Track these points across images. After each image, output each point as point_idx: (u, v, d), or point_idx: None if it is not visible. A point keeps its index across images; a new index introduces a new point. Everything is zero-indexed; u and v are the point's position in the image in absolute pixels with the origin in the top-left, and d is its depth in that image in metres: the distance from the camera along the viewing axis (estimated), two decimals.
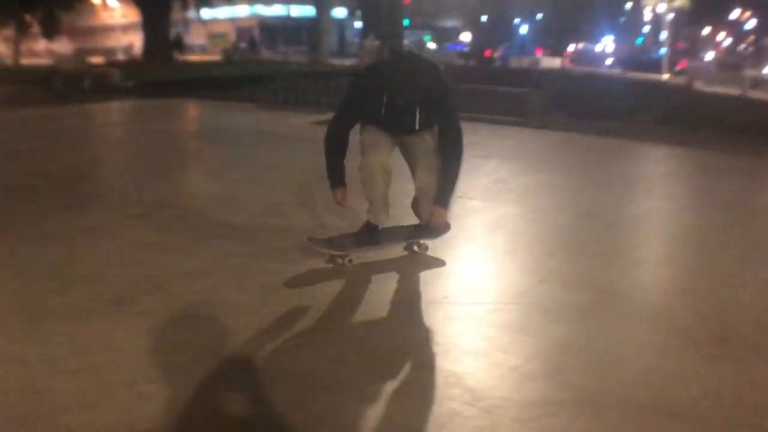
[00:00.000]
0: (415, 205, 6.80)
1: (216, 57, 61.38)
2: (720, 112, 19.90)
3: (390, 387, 4.31)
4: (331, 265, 6.42)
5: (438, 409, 4.02)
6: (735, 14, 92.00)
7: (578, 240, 7.53)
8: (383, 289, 5.99)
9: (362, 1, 54.10)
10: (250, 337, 5.03)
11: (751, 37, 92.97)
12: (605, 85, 31.65)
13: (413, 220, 6.94)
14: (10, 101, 24.01)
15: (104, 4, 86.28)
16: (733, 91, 32.79)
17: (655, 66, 54.48)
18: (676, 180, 11.47)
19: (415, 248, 6.88)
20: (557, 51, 68.20)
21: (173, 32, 58.67)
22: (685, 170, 12.32)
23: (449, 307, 5.58)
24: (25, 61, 61.73)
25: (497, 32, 74.34)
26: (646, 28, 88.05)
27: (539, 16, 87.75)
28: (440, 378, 4.40)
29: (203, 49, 76.40)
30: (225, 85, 25.23)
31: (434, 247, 6.97)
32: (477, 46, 68.77)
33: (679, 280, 6.52)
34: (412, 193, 6.73)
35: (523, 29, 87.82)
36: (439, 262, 6.64)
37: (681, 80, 40.50)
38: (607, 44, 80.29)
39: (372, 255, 6.64)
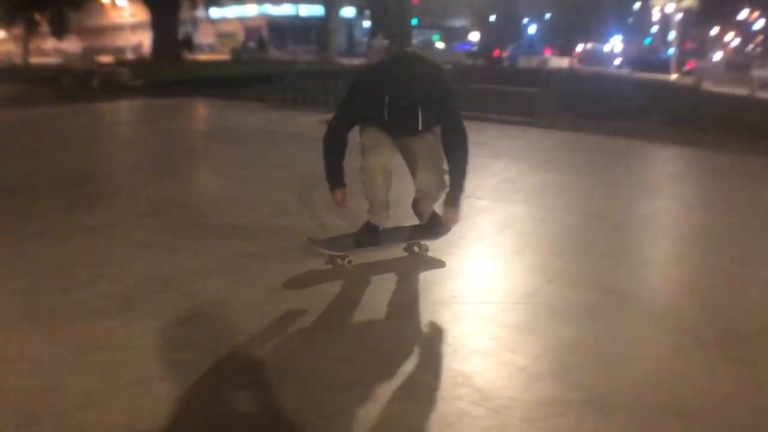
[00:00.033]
0: (416, 206, 6.80)
1: (225, 56, 61.47)
2: (728, 113, 19.87)
3: (398, 387, 4.31)
4: (330, 266, 6.40)
5: (446, 409, 4.02)
6: (743, 14, 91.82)
7: (587, 240, 7.52)
8: (390, 289, 6.00)
9: (371, 0, 54.10)
10: (258, 336, 5.05)
11: (760, 38, 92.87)
12: (613, 85, 31.61)
13: (413, 221, 6.95)
14: (19, 100, 24.09)
15: (113, 4, 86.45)
16: (742, 91, 32.76)
17: (664, 66, 54.41)
18: (684, 180, 11.46)
19: (416, 249, 6.85)
20: (566, 51, 68.14)
21: (182, 31, 58.77)
22: (693, 170, 12.31)
23: (457, 307, 5.57)
24: (34, 59, 61.95)
25: (506, 32, 74.29)
26: (655, 29, 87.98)
27: (548, 15, 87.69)
28: (448, 378, 4.39)
29: (212, 49, 76.48)
30: (234, 85, 25.25)
31: (441, 246, 6.97)
32: (485, 45, 68.67)
33: (687, 280, 6.52)
34: (412, 194, 6.72)
35: (532, 29, 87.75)
36: (439, 263, 6.61)
37: (689, 80, 40.44)
38: (615, 44, 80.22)
39: (372, 256, 6.62)
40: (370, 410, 4.03)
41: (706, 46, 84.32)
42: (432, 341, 5.00)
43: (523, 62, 55.29)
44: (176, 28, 53.72)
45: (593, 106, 19.41)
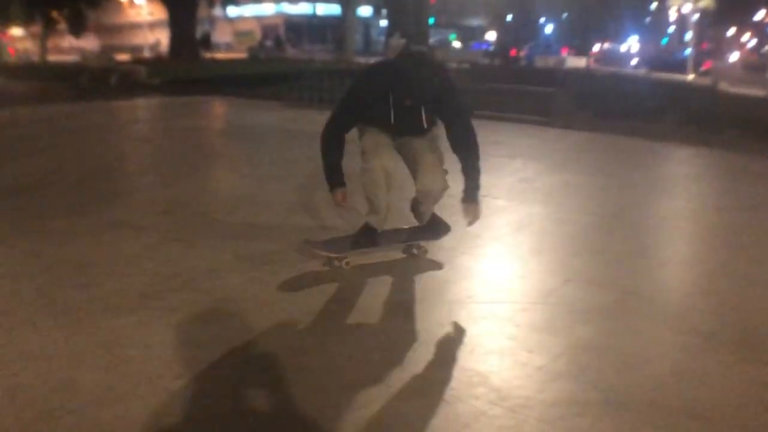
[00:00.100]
0: (415, 207, 6.77)
1: (242, 55, 61.60)
2: (745, 113, 19.80)
3: (414, 386, 4.32)
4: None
5: (463, 409, 4.02)
6: (760, 15, 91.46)
7: (603, 240, 7.51)
8: (405, 288, 6.03)
9: None
10: (273, 334, 5.07)
11: None
12: (630, 85, 31.52)
13: (413, 222, 6.93)
14: (37, 97, 24.22)
15: (131, 2, 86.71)
16: (758, 92, 32.66)
17: (680, 66, 54.28)
18: (700, 181, 11.42)
19: (414, 251, 6.80)
20: (582, 50, 68.06)
21: (201, 30, 58.92)
22: (709, 171, 12.26)
23: (473, 307, 5.58)
24: (52, 57, 62.18)
25: (522, 31, 74.10)
26: (671, 29, 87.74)
27: (564, 15, 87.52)
28: (465, 377, 4.40)
29: (229, 47, 76.66)
30: (251, 83, 25.29)
31: (457, 246, 6.98)
32: (502, 45, 68.59)
33: (703, 281, 6.49)
34: (411, 195, 6.70)
35: (549, 29, 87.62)
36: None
37: (706, 81, 40.33)
38: (632, 44, 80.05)
39: (377, 257, 6.60)
40: (386, 409, 4.04)
41: (722, 47, 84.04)
42: (448, 341, 4.99)
43: (539, 62, 55.16)
44: (194, 26, 53.89)
45: (610, 106, 19.35)
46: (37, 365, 4.46)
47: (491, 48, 70.85)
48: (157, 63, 42.92)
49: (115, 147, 13.87)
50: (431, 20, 43.49)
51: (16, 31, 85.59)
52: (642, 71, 55.31)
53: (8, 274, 6.17)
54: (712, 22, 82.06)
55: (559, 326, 5.20)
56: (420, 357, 4.69)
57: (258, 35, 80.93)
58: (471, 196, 6.29)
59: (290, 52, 64.46)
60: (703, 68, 53.85)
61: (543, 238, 7.54)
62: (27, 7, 62.11)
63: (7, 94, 25.89)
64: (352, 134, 6.39)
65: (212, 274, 6.16)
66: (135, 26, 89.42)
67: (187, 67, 37.71)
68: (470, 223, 6.42)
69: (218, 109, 21.70)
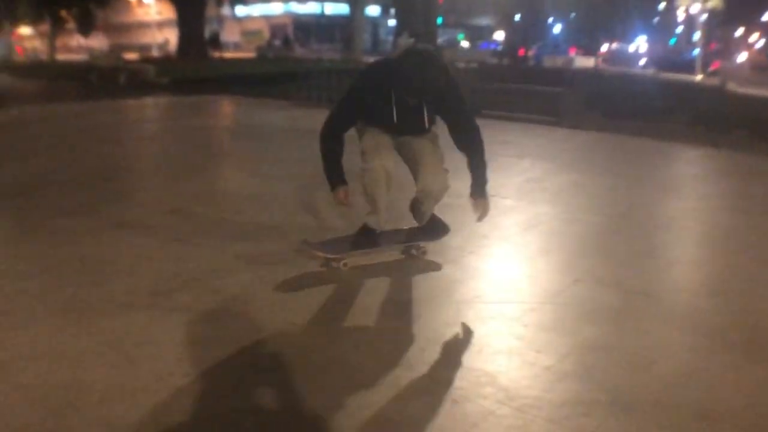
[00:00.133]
0: (415, 208, 6.70)
1: (250, 54, 61.64)
2: (753, 114, 19.76)
3: (422, 385, 4.33)
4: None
5: (471, 408, 4.02)
6: None
7: (612, 240, 7.50)
8: (414, 288, 6.01)
9: None
10: (282, 332, 5.08)
11: None
12: (638, 85, 31.48)
13: (412, 223, 6.89)
14: (46, 96, 24.28)
15: (139, 1, 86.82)
16: (766, 92, 32.59)
17: (689, 67, 54.22)
18: (708, 181, 11.40)
19: (414, 252, 6.75)
20: (591, 50, 68.00)
21: (210, 29, 58.96)
22: (717, 171, 12.23)
23: (481, 306, 5.58)
24: (61, 56, 62.24)
25: (531, 31, 74.03)
26: (680, 29, 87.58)
27: (573, 15, 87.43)
28: (473, 377, 4.39)
29: (237, 47, 76.74)
30: (259, 82, 25.32)
31: (465, 246, 6.99)
32: (510, 44, 68.55)
33: (711, 282, 6.48)
34: (409, 195, 6.67)
35: (557, 28, 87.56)
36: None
37: (714, 81, 40.25)
38: (640, 44, 79.96)
39: (371, 258, 6.55)
40: (394, 408, 4.05)
41: (731, 47, 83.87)
42: (456, 340, 4.99)
43: (548, 62, 55.18)
44: (202, 25, 53.95)
45: (618, 106, 19.35)
46: (44, 364, 4.47)
47: (499, 48, 70.82)
48: (165, 62, 43.01)
49: (123, 146, 13.88)
50: (439, 20, 43.45)
51: (25, 30, 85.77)
52: (650, 71, 55.24)
53: (16, 272, 6.19)
54: (721, 22, 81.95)
55: (567, 326, 5.20)
56: (428, 356, 4.70)
57: (266, 34, 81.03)
58: (479, 191, 6.25)
59: (298, 51, 64.50)
60: (711, 68, 53.77)
61: (551, 238, 7.54)
62: (36, 6, 62.28)
63: (16, 93, 25.94)
64: (351, 133, 6.35)
65: (220, 273, 6.16)
66: (143, 25, 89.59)
67: (195, 66, 37.78)
68: (480, 218, 6.36)
69: (226, 108, 21.73)
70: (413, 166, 6.37)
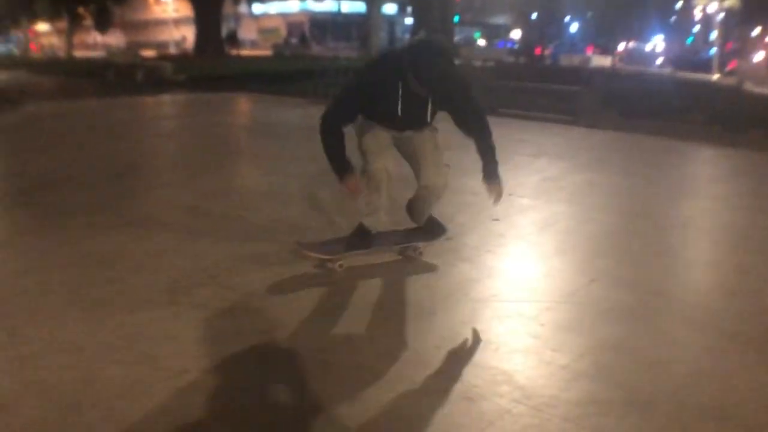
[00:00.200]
0: (413, 208, 6.65)
1: (267, 52, 61.66)
2: None
3: (438, 383, 4.34)
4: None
5: (487, 406, 4.03)
6: None
7: (628, 240, 7.49)
8: (431, 286, 6.01)
9: None
10: (299, 329, 5.10)
11: None
12: (655, 84, 31.37)
13: (408, 224, 6.82)
14: (64, 92, 24.37)
15: None
16: None
17: (706, 66, 53.98)
18: (725, 181, 11.36)
19: (410, 253, 6.68)
20: (607, 49, 67.78)
21: (227, 27, 59.01)
22: (734, 171, 12.18)
23: (498, 305, 5.58)
24: (78, 53, 62.44)
25: (547, 30, 73.85)
26: (696, 28, 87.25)
27: (589, 14, 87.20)
28: (489, 375, 4.40)
29: (254, 44, 76.78)
30: (275, 80, 25.35)
31: (482, 245, 7.00)
32: (527, 43, 68.41)
33: (728, 282, 6.46)
34: (408, 195, 6.63)
35: (574, 27, 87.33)
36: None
37: (731, 81, 40.07)
38: (657, 43, 79.70)
39: (364, 259, 6.47)
40: (410, 406, 4.07)
41: (747, 47, 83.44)
42: (472, 339, 5.00)
43: (564, 60, 55.01)
44: (219, 23, 54.00)
45: (635, 105, 19.28)
46: (63, 359, 4.51)
47: (516, 46, 70.66)
48: (182, 59, 43.02)
49: (140, 143, 13.93)
50: (456, 18, 43.51)
51: (42, 27, 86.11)
52: (667, 71, 55.04)
53: (35, 268, 6.23)
54: (738, 21, 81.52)
55: (584, 325, 5.20)
56: (444, 355, 4.71)
57: (283, 32, 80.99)
58: (491, 174, 6.11)
59: (315, 49, 64.37)
60: (728, 68, 53.51)
61: (567, 237, 7.54)
62: (53, 2, 62.52)
63: (34, 90, 26.01)
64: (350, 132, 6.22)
65: (236, 270, 6.19)
66: (160, 23, 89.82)
67: (212, 63, 37.83)
68: (496, 201, 6.24)
69: (243, 105, 21.78)
70: (414, 162, 6.33)
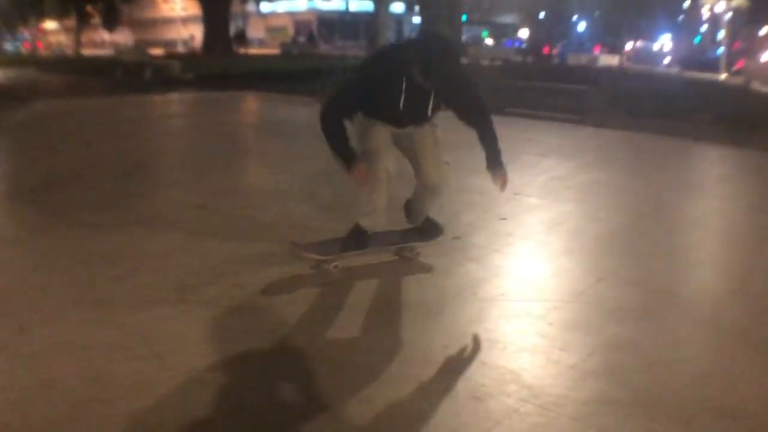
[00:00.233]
0: (408, 208, 6.63)
1: (274, 50, 61.68)
2: None
3: (446, 382, 4.35)
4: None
5: (494, 406, 4.04)
6: None
7: (636, 239, 7.49)
8: (439, 285, 6.02)
9: None
10: (307, 327, 5.12)
11: None
12: (663, 84, 31.32)
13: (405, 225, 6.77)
14: (72, 90, 24.38)
15: None
16: None
17: (713, 65, 53.88)
18: (732, 181, 11.33)
19: (407, 253, 6.64)
20: (615, 49, 67.68)
21: (235, 26, 59.05)
22: (741, 171, 12.16)
23: (505, 304, 5.59)
24: (86, 51, 62.49)
25: (555, 29, 73.82)
26: (704, 27, 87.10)
27: (597, 13, 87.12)
28: (497, 374, 4.41)
29: (262, 43, 76.82)
30: (283, 79, 25.36)
31: (489, 244, 7.00)
32: (535, 42, 68.36)
33: (736, 282, 6.44)
34: (403, 195, 6.59)
35: (581, 26, 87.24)
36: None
37: (738, 80, 39.98)
38: (665, 43, 79.57)
39: (360, 260, 6.41)
40: (419, 405, 4.08)
41: (755, 46, 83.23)
42: (480, 338, 5.00)
43: (572, 60, 54.95)
44: (227, 22, 54.07)
45: (643, 104, 19.25)
46: (72, 357, 4.52)
47: (524, 45, 70.63)
48: (190, 58, 43.06)
49: (148, 141, 13.96)
50: (464, 17, 43.41)
51: (50, 25, 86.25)
52: (674, 70, 54.95)
53: (43, 266, 6.25)
54: (746, 21, 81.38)
55: (591, 325, 5.21)
56: (452, 354, 4.72)
57: (290, 31, 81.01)
58: (495, 163, 6.10)
59: (323, 48, 64.40)
60: (735, 68, 53.39)
61: (575, 237, 7.53)
62: (61, 1, 62.62)
63: (42, 87, 26.05)
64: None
65: (245, 268, 6.20)
66: (168, 21, 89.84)
67: (220, 62, 37.83)
68: (502, 188, 6.19)
69: (251, 104, 21.80)
70: (414, 159, 6.28)
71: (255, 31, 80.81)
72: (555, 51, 62.67)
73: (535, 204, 8.66)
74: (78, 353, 4.57)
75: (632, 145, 14.26)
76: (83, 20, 68.82)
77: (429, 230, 6.66)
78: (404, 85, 5.74)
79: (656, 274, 6.42)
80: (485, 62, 31.41)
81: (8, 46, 73.32)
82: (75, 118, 16.99)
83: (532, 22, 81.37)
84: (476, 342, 4.94)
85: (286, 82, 24.05)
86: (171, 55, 46.00)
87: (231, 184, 9.65)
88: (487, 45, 71.82)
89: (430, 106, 5.97)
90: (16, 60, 50.39)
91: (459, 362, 4.63)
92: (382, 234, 6.53)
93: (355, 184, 6.10)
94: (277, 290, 5.79)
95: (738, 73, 49.62)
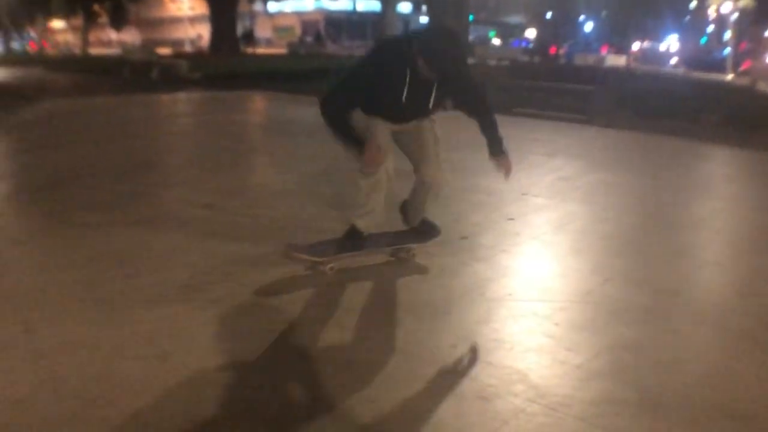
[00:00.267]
0: (406, 208, 6.59)
1: (282, 50, 61.76)
2: None
3: (453, 382, 4.35)
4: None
5: (501, 405, 4.04)
6: None
7: (643, 240, 7.49)
8: (446, 285, 6.01)
9: None
10: (314, 327, 5.13)
11: None
12: (669, 84, 31.29)
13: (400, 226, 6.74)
14: (79, 89, 24.43)
15: None
16: None
17: (720, 66, 53.84)
18: (738, 181, 11.33)
19: (402, 254, 6.59)
20: (622, 49, 67.62)
21: (243, 25, 59.10)
22: (748, 172, 12.15)
23: (513, 305, 5.59)
24: (93, 50, 62.62)
25: (562, 29, 73.86)
26: (710, 28, 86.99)
27: (604, 13, 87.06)
28: (504, 374, 4.41)
29: (269, 43, 76.92)
30: (291, 79, 25.38)
31: (496, 244, 7.00)
32: (542, 42, 68.35)
33: (743, 283, 6.43)
34: (402, 197, 6.58)
35: (588, 26, 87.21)
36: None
37: (744, 81, 39.91)
38: (671, 43, 79.49)
39: (356, 261, 6.38)
40: (425, 404, 4.08)
41: (761, 47, 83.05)
42: (487, 338, 4.99)
43: (579, 60, 54.92)
44: (234, 21, 54.14)
45: (649, 104, 19.23)
46: (78, 355, 4.53)
47: (531, 45, 70.60)
48: (197, 57, 43.13)
49: (156, 140, 13.99)
50: (470, 17, 43.46)
51: (58, 24, 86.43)
52: (681, 70, 54.89)
53: (51, 265, 6.27)
54: (752, 21, 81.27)
55: (598, 325, 5.21)
56: (459, 354, 4.72)
57: (298, 31, 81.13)
58: (497, 149, 6.08)
59: (330, 47, 64.47)
60: (741, 68, 53.30)
61: (582, 237, 7.53)
62: (68, 0, 62.75)
63: (49, 86, 26.11)
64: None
65: (254, 266, 6.21)
66: (176, 20, 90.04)
67: (227, 61, 37.89)
68: (506, 176, 6.18)
69: (259, 104, 21.82)
70: (414, 156, 6.21)
71: (262, 31, 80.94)
72: (562, 51, 62.64)
73: (542, 204, 8.66)
74: (83, 352, 4.58)
75: (639, 145, 14.25)
76: (90, 19, 68.98)
77: (426, 231, 6.61)
78: (408, 77, 5.66)
79: (663, 274, 6.42)
80: (492, 62, 31.39)
81: (15, 45, 73.55)
82: (82, 117, 17.03)
83: (539, 22, 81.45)
84: (483, 342, 4.93)
85: (293, 82, 24.06)
86: (178, 55, 46.11)
87: (238, 184, 9.67)
88: (494, 45, 71.81)
89: (433, 99, 5.88)
90: (23, 59, 50.51)
91: (466, 362, 4.63)
92: (377, 235, 6.47)
93: (368, 166, 5.91)
94: (282, 290, 5.80)
95: (744, 73, 49.53)
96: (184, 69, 29.85)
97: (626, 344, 4.89)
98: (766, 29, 75.72)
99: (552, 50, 61.09)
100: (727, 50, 59.88)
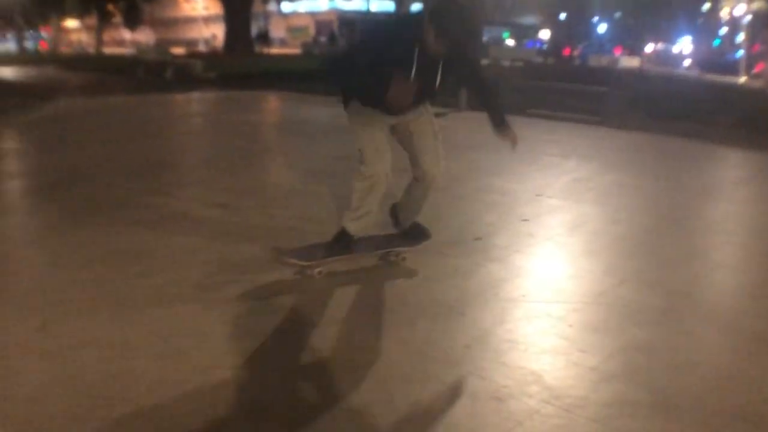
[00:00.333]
0: (398, 208, 6.52)
1: (296, 50, 61.79)
2: None
3: (468, 383, 4.35)
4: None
5: (516, 406, 4.05)
6: None
7: (657, 242, 7.48)
8: (460, 285, 6.02)
9: None
10: (329, 327, 5.13)
11: None
12: (683, 86, 31.28)
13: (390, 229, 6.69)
14: (94, 89, 24.46)
15: None
16: None
17: (733, 68, 53.70)
18: (752, 184, 11.29)
19: (392, 258, 6.51)
20: (635, 50, 67.55)
21: (256, 25, 59.13)
22: (760, 174, 12.08)
23: (527, 306, 5.59)
24: (107, 50, 62.76)
25: (576, 30, 73.77)
26: (723, 30, 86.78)
27: (618, 14, 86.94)
28: (518, 375, 4.42)
29: (283, 43, 76.97)
30: (305, 78, 25.38)
31: (511, 245, 7.01)
32: (556, 43, 68.33)
33: (757, 285, 6.42)
34: (396, 194, 6.51)
35: (602, 28, 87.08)
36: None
37: (758, 83, 39.83)
38: (684, 45, 79.33)
39: (344, 265, 6.32)
40: (440, 405, 4.10)
41: None
42: (502, 339, 5.00)
43: (593, 61, 54.90)
44: (248, 21, 54.24)
45: (663, 106, 19.21)
46: (93, 354, 4.56)
47: (545, 46, 70.55)
48: (212, 57, 43.21)
49: (170, 140, 14.03)
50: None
51: (72, 23, 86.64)
52: (694, 73, 54.79)
53: (66, 263, 6.29)
54: (765, 24, 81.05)
55: (613, 327, 5.21)
56: (473, 354, 4.73)
57: (312, 31, 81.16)
58: (500, 121, 5.94)
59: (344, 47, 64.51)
60: (755, 71, 53.15)
61: (596, 238, 7.53)
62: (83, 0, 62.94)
63: (64, 86, 26.17)
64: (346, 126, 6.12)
65: (267, 266, 6.21)
66: (190, 20, 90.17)
67: (241, 61, 37.94)
68: (513, 147, 6.03)
69: (273, 103, 21.84)
70: (412, 150, 6.08)
71: (276, 31, 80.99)
72: (576, 52, 62.60)
73: (556, 205, 8.66)
74: (98, 350, 4.61)
75: (652, 147, 14.21)
76: (104, 19, 69.17)
77: (415, 234, 6.53)
78: (416, 53, 5.43)
79: (676, 276, 6.41)
80: (506, 63, 31.36)
81: (29, 45, 73.78)
82: (97, 117, 17.08)
83: (553, 23, 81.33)
84: (498, 343, 4.93)
85: (307, 82, 24.05)
86: (192, 55, 46.20)
87: (252, 184, 9.68)
88: (508, 46, 71.72)
89: (438, 80, 5.65)
90: (36, 59, 50.63)
91: (480, 363, 4.62)
92: (366, 238, 6.40)
93: (393, 106, 5.68)
94: (297, 289, 5.83)
95: (757, 76, 49.42)
96: (199, 69, 29.89)
97: (639, 346, 4.89)
98: None
99: (566, 51, 61.05)
100: (740, 53, 59.71)
